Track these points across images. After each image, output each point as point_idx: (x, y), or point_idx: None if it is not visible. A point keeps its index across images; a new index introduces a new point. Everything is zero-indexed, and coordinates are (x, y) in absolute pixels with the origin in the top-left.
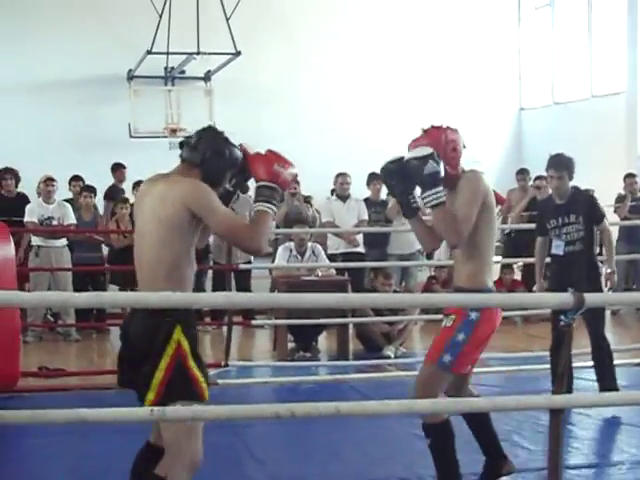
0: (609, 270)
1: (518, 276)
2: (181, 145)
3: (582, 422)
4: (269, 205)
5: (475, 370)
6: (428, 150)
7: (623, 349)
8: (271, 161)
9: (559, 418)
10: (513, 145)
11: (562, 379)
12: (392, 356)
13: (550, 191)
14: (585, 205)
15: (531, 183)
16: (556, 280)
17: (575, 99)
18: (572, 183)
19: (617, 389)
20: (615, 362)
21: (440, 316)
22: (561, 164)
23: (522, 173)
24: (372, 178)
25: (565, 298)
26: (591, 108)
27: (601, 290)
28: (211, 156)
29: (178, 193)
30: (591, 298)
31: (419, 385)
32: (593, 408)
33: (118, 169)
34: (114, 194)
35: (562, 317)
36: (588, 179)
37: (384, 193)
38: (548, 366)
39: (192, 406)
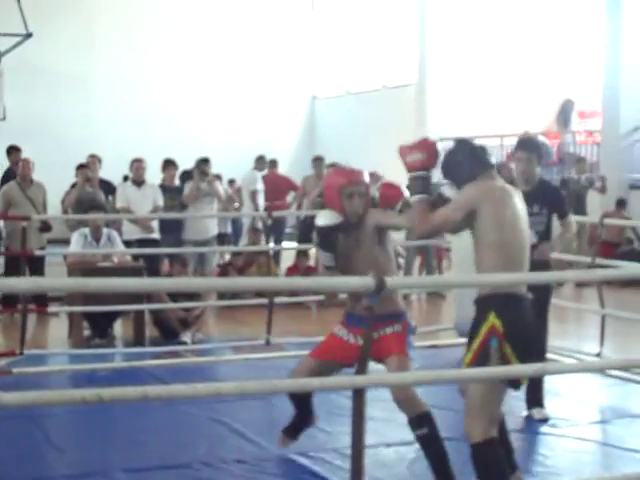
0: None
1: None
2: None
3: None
4: None
5: (271, 355)
6: None
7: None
8: None
9: (362, 398)
10: (306, 133)
11: (365, 359)
12: (189, 342)
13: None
14: (551, 196)
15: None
16: None
17: (367, 89)
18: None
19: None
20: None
21: (234, 302)
22: (530, 145)
23: (317, 160)
24: (167, 164)
25: (367, 281)
26: (383, 98)
27: (550, 290)
28: None
29: None
30: (391, 281)
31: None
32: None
33: (12, 152)
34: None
35: (364, 300)
36: (380, 168)
37: (178, 178)
38: None
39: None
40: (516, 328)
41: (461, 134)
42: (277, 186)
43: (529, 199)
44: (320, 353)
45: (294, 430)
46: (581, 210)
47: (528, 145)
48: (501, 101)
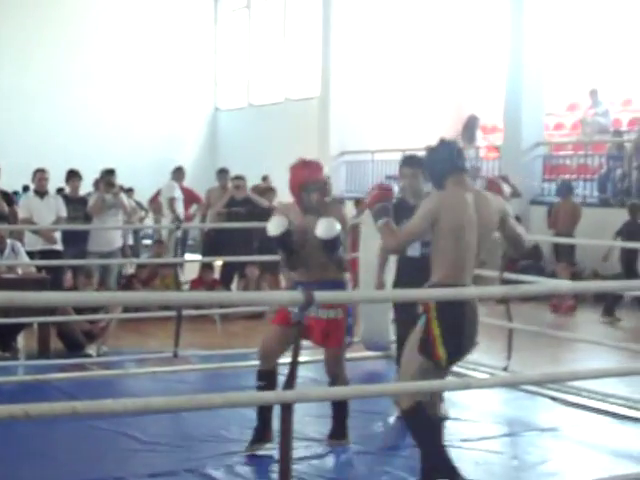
0: None
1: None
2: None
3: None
4: None
5: (179, 368)
6: None
7: None
8: None
9: (290, 412)
10: (209, 145)
11: (292, 374)
12: (94, 355)
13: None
14: None
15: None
16: (410, 282)
17: (270, 102)
18: None
19: None
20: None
21: (141, 314)
22: (415, 162)
23: (222, 172)
24: (71, 175)
25: (296, 296)
26: (285, 111)
27: None
28: None
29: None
30: (319, 295)
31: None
32: None
33: None
34: None
35: (293, 316)
36: (281, 181)
37: (82, 189)
38: (248, 362)
39: None
40: (450, 315)
41: (364, 148)
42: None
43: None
44: (278, 319)
45: (256, 443)
46: None
47: (413, 161)
48: (404, 115)
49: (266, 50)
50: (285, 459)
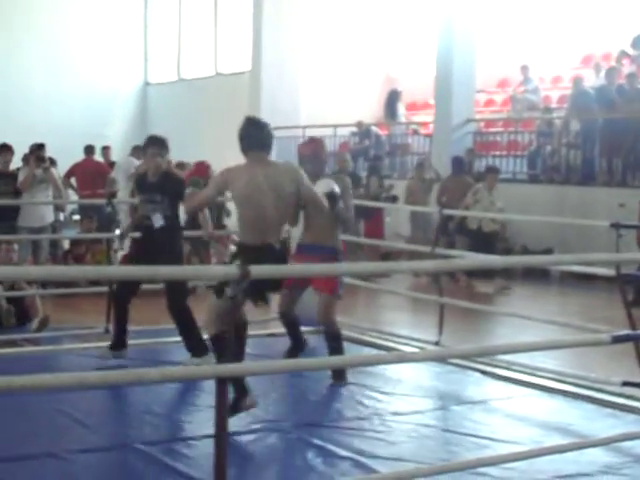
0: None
1: None
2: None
3: None
4: None
5: (105, 344)
6: None
7: (259, 320)
8: None
9: (225, 386)
10: (139, 119)
11: (229, 349)
12: (33, 330)
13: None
14: (174, 187)
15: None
16: (142, 249)
17: (201, 76)
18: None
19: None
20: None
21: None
22: (158, 142)
23: None
24: (3, 149)
25: (232, 270)
26: (216, 86)
27: (181, 263)
28: None
29: None
30: (256, 270)
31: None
32: None
33: None
34: None
35: (228, 290)
36: (212, 155)
37: (14, 164)
38: (179, 338)
39: None
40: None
41: (295, 123)
42: (95, 172)
43: (155, 188)
44: (289, 282)
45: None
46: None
47: (155, 141)
48: (335, 91)
49: (197, 23)
50: (221, 434)
